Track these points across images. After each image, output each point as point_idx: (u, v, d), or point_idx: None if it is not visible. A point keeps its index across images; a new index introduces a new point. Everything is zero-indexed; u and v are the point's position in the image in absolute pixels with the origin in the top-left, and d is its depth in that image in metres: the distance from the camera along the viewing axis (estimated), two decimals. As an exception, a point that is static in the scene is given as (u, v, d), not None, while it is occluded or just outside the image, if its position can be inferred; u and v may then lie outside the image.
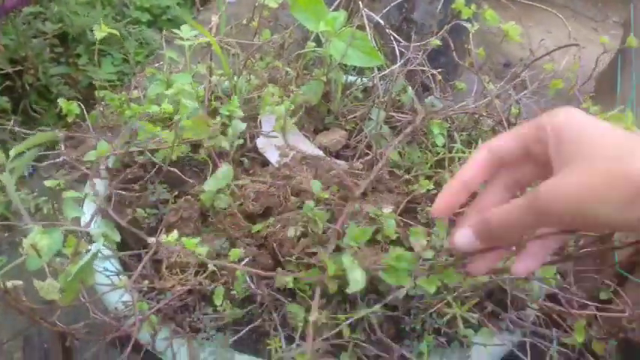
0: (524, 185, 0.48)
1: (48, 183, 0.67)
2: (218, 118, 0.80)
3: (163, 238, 0.64)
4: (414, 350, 0.68)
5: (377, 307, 0.63)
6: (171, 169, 0.83)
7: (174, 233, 0.66)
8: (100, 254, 0.76)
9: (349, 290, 0.59)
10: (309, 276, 0.64)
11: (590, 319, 0.76)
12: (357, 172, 0.81)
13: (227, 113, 0.80)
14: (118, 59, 1.92)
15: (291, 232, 0.67)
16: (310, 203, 0.66)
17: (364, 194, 0.87)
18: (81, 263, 0.55)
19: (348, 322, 0.62)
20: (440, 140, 0.88)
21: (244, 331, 0.67)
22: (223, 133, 0.89)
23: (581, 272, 0.90)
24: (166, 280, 0.73)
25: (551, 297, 0.81)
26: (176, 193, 0.85)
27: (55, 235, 0.55)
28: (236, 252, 0.67)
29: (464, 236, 0.46)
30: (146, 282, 0.74)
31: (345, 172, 0.78)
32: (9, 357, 1.02)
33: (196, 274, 0.73)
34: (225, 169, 0.65)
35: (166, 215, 0.80)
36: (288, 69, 0.92)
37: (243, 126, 0.68)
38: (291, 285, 0.63)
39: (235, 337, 0.67)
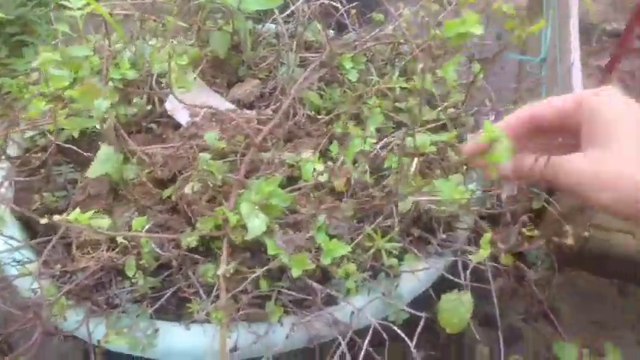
0: (556, 149, 0.51)
1: None
2: (110, 84, 0.75)
3: (57, 217, 0.61)
4: (341, 289, 0.67)
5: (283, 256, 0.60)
6: (73, 147, 0.78)
7: (75, 212, 0.63)
8: (9, 246, 0.72)
9: (248, 237, 0.57)
10: (211, 230, 0.61)
11: (521, 232, 0.75)
12: (266, 119, 0.77)
13: (118, 77, 0.75)
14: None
15: (187, 188, 0.63)
16: (205, 155, 0.62)
17: (287, 142, 0.84)
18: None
19: (262, 270, 0.60)
20: (353, 75, 0.84)
21: (163, 299, 0.64)
22: (128, 101, 0.85)
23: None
24: (78, 261, 0.69)
25: (489, 217, 0.80)
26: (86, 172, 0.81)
27: None
28: (139, 221, 0.63)
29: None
30: (58, 266, 0.71)
31: (250, 121, 0.74)
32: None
33: (108, 249, 0.70)
34: (105, 151, 0.60)
35: (74, 195, 0.76)
36: (184, 24, 0.87)
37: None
38: (194, 244, 0.60)
39: (155, 306, 0.65)
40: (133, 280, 0.65)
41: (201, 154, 0.63)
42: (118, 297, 0.66)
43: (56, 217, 0.60)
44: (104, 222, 0.63)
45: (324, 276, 0.69)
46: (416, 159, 0.68)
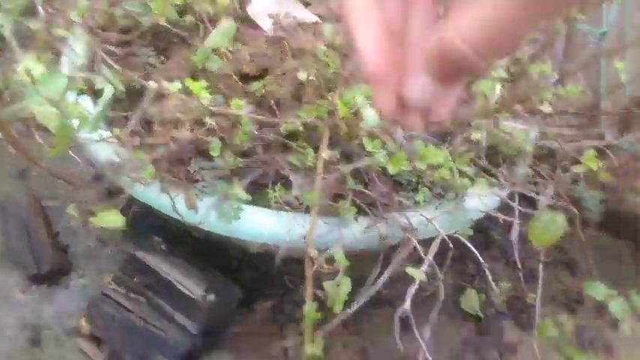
0: None
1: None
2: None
3: (165, 84, 0.62)
4: (410, 200, 0.70)
5: (380, 155, 0.63)
6: (169, 26, 0.78)
7: (187, 79, 0.65)
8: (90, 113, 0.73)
9: (364, 125, 0.60)
10: (320, 118, 0.63)
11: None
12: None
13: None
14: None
15: (302, 75, 0.65)
16: (322, 46, 0.64)
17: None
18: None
19: (351, 167, 0.63)
20: None
21: (249, 178, 0.67)
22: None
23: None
24: (158, 136, 0.71)
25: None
26: (161, 58, 0.82)
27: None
28: (238, 102, 0.65)
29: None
30: (137, 138, 0.72)
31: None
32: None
33: (191, 130, 0.71)
34: (227, 24, 0.62)
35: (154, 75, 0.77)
36: None
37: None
38: (300, 128, 0.63)
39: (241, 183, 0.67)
40: (215, 159, 0.67)
41: (320, 46, 0.65)
42: (199, 173, 0.68)
43: (165, 84, 0.62)
44: (206, 95, 0.64)
45: (394, 188, 0.72)
46: (499, 86, 0.71)
